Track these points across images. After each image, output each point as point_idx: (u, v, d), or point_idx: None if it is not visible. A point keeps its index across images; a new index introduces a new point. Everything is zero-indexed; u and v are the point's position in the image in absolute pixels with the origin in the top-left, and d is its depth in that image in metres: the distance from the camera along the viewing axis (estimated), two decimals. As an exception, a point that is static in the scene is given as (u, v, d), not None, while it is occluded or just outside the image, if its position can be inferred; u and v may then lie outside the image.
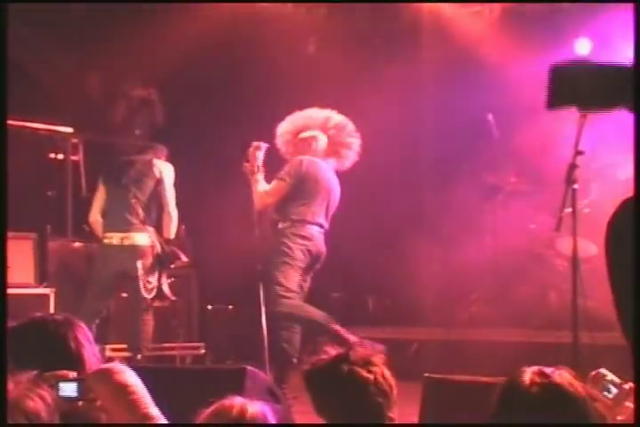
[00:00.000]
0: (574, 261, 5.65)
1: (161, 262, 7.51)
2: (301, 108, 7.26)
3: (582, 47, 9.10)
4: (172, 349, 8.57)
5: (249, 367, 4.90)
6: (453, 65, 8.98)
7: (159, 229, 7.57)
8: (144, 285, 7.37)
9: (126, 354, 7.96)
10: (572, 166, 5.73)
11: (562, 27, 8.83)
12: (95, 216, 7.71)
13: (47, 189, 8.68)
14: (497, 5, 8.88)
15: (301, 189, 6.91)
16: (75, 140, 8.78)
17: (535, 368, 2.63)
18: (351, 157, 7.15)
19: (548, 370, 2.62)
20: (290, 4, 9.23)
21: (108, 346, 8.29)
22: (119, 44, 8.91)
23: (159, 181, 7.60)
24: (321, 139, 7.07)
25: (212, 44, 9.01)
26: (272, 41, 9.16)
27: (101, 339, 7.70)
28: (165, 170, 7.69)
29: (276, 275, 6.88)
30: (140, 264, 7.36)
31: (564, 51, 8.95)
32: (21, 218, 7.52)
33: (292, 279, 6.86)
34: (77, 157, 8.74)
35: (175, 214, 7.57)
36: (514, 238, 8.76)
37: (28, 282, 8.29)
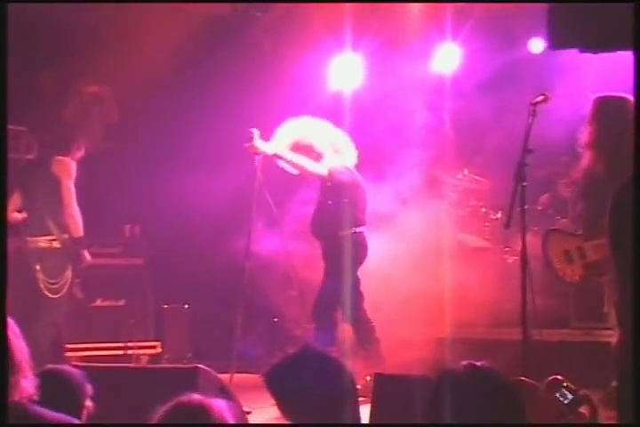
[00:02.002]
0: (523, 258, 5.74)
1: (69, 263, 7.59)
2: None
3: (536, 47, 9.25)
4: (128, 348, 8.61)
5: (202, 366, 5.02)
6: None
7: (67, 229, 7.57)
8: (45, 286, 7.47)
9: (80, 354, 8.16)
10: (521, 165, 5.86)
11: (514, 29, 8.97)
12: (11, 214, 7.69)
13: (-2, 188, 8.52)
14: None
15: None
16: (28, 139, 8.74)
17: (465, 362, 2.76)
18: None
19: (477, 363, 2.75)
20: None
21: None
22: (75, 43, 8.97)
23: (57, 181, 7.60)
24: None
25: (171, 44, 9.04)
26: (229, 41, 9.26)
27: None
28: (63, 168, 7.64)
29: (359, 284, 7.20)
30: (38, 266, 7.49)
31: (518, 50, 9.12)
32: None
33: None
34: (31, 156, 8.56)
35: (77, 213, 7.56)
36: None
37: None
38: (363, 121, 8.52)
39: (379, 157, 8.49)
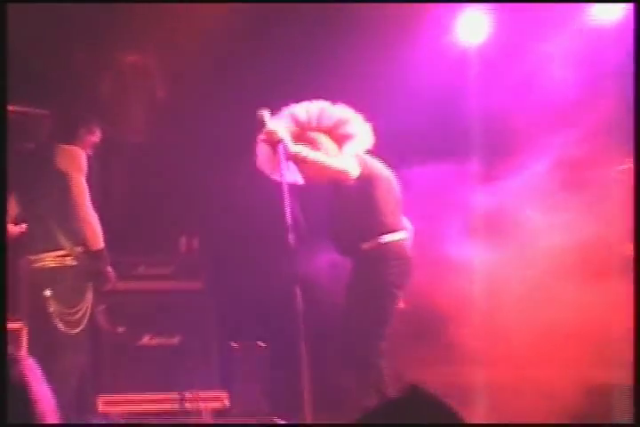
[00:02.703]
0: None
1: (88, 285, 7.05)
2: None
3: None
4: (186, 400, 8.43)
5: (281, 423, 5.51)
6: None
7: (82, 240, 7.14)
8: (60, 318, 6.91)
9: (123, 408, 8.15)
10: None
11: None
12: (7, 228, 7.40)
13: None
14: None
15: None
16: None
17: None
18: None
19: None
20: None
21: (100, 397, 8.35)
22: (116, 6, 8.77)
23: (62, 177, 7.03)
24: None
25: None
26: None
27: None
28: (70, 160, 7.10)
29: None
30: (48, 293, 6.95)
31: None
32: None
33: None
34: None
35: (93, 218, 6.99)
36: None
37: (-8, 314, 8.39)
38: (490, 87, 8.28)
39: (509, 139, 8.09)
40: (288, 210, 6.29)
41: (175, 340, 8.57)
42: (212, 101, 9.00)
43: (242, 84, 9.10)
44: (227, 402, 8.59)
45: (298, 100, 6.93)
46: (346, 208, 6.79)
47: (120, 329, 8.02)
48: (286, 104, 6.93)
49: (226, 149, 8.85)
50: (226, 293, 8.87)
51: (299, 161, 6.54)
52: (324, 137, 6.84)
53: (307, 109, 6.90)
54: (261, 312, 8.95)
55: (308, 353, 6.39)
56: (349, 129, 6.87)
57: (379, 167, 6.85)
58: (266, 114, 6.46)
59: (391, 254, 6.66)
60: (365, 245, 6.63)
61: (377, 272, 6.64)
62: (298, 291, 6.33)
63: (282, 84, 8.70)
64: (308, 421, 6.31)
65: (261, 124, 6.43)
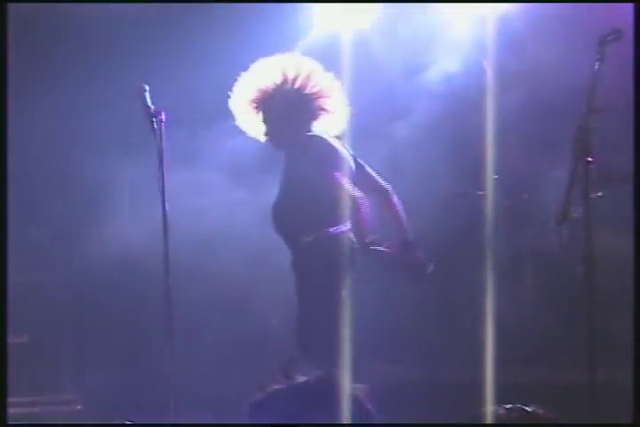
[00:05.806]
0: (589, 266, 5.36)
1: None
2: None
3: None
4: (34, 404, 8.28)
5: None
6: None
7: None
8: None
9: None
10: (584, 130, 5.34)
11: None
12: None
13: None
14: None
15: None
16: None
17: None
18: None
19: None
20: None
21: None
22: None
23: None
24: None
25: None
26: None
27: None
28: None
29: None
30: None
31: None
32: None
33: None
34: None
35: None
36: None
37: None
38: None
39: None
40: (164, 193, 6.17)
41: (24, 338, 8.36)
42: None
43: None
44: (78, 406, 8.40)
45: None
46: (303, 196, 6.60)
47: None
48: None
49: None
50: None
51: None
52: (308, 100, 6.68)
53: (299, 64, 6.70)
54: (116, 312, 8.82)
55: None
56: (328, 104, 6.74)
57: (345, 153, 6.68)
58: (146, 88, 6.40)
59: (335, 246, 6.56)
60: (309, 237, 6.58)
61: (322, 261, 6.56)
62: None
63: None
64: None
65: (142, 99, 6.36)
